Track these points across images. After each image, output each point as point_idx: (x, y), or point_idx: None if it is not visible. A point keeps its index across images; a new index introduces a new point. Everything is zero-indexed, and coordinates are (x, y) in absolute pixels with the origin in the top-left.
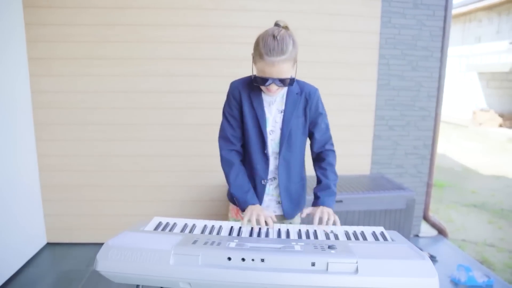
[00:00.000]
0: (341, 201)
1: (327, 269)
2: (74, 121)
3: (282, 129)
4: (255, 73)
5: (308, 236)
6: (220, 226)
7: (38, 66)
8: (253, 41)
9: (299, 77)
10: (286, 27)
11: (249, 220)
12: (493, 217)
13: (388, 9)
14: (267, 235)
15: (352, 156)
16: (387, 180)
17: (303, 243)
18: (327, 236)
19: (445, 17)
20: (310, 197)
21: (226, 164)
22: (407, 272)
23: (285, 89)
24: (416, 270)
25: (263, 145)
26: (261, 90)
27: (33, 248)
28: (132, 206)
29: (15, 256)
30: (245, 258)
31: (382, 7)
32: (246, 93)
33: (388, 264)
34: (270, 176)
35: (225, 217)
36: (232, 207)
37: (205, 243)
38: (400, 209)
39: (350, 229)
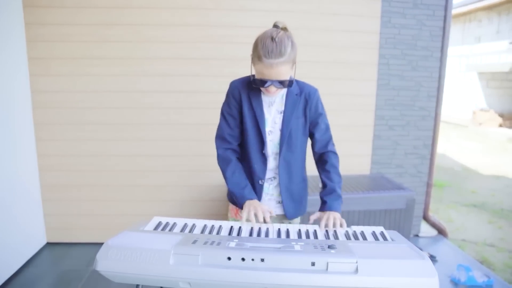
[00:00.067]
0: None
1: (327, 269)
2: (74, 121)
3: (282, 130)
4: (254, 74)
5: (308, 236)
6: (220, 226)
7: (38, 65)
8: (253, 41)
9: (299, 77)
10: (285, 28)
11: (248, 220)
12: (493, 217)
13: (388, 9)
14: (267, 234)
15: (352, 156)
16: (387, 180)
17: (303, 243)
18: (327, 236)
19: (445, 17)
20: (311, 197)
21: (222, 162)
22: (407, 272)
23: (284, 89)
24: (416, 270)
25: (262, 145)
26: (260, 91)
27: (32, 248)
28: (132, 206)
29: (14, 256)
30: (245, 258)
31: (382, 7)
32: (246, 93)
33: (388, 264)
34: (269, 175)
35: (225, 217)
36: (231, 207)
37: (205, 243)
38: (400, 209)
39: (350, 229)
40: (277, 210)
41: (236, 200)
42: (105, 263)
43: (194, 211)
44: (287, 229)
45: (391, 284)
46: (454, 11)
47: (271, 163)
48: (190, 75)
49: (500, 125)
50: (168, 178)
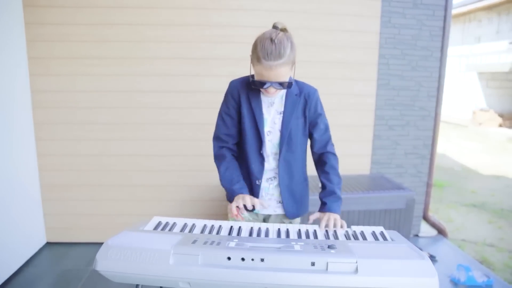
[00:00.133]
0: None
1: (326, 269)
2: (74, 121)
3: (281, 131)
4: (253, 75)
5: (307, 236)
6: (220, 226)
7: (38, 65)
8: (253, 41)
9: (298, 77)
10: (284, 29)
11: (233, 218)
12: (492, 217)
13: (388, 9)
14: (267, 234)
15: (352, 156)
16: (387, 180)
17: (302, 243)
18: (326, 236)
19: (445, 17)
20: (312, 197)
21: (217, 159)
22: (406, 272)
23: (284, 90)
24: (416, 270)
25: (260, 145)
26: (260, 91)
27: (32, 247)
28: (132, 206)
29: (14, 256)
30: (244, 257)
31: (382, 6)
32: (245, 93)
33: (388, 264)
34: (269, 175)
35: (225, 217)
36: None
37: (205, 243)
38: (399, 209)
39: (350, 229)
40: (278, 210)
41: (228, 196)
42: (105, 263)
43: (194, 211)
44: (287, 229)
45: (391, 284)
46: (454, 11)
47: (271, 163)
48: (190, 75)
49: (500, 125)
50: (168, 178)
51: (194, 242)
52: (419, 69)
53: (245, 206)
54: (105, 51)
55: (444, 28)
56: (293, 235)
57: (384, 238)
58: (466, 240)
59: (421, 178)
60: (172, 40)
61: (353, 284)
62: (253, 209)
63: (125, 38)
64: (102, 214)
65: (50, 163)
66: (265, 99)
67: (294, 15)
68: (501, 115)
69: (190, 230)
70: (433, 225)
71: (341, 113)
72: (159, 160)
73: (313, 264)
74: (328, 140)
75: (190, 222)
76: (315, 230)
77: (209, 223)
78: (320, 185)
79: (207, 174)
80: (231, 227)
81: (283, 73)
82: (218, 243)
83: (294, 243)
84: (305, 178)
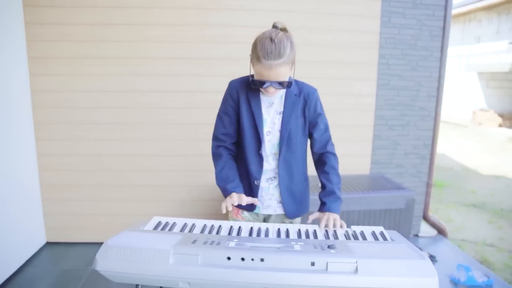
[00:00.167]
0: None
1: (326, 269)
2: (74, 121)
3: (281, 131)
4: (253, 74)
5: (307, 236)
6: (220, 226)
7: (38, 65)
8: (253, 40)
9: (298, 76)
10: (284, 29)
11: (234, 218)
12: (492, 217)
13: (388, 9)
14: (266, 234)
15: (352, 156)
16: (386, 180)
17: (302, 243)
18: (326, 236)
19: (445, 17)
20: (311, 197)
21: (214, 158)
22: (406, 272)
23: (283, 90)
24: (415, 270)
25: (259, 145)
26: (259, 91)
27: (32, 247)
28: (132, 206)
29: (14, 256)
30: (244, 257)
31: (382, 6)
32: (244, 93)
33: (388, 264)
34: (269, 175)
35: (225, 217)
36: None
37: (205, 243)
38: (399, 209)
39: (350, 229)
40: (278, 210)
41: (222, 194)
42: (104, 263)
43: (194, 211)
44: (287, 229)
45: (391, 284)
46: (454, 11)
47: (271, 163)
48: (190, 75)
49: (500, 125)
50: (168, 178)
51: (194, 242)
52: (419, 69)
53: (243, 206)
54: (105, 51)
55: (444, 28)
56: (293, 235)
57: (384, 238)
58: (466, 240)
59: (421, 178)
60: (172, 40)
61: (353, 284)
62: (253, 208)
63: (125, 38)
64: (102, 214)
65: (50, 163)
66: (264, 99)
67: (294, 15)
68: (501, 115)
69: (190, 230)
70: (433, 225)
71: (341, 113)
72: (159, 160)
73: (313, 264)
74: (328, 140)
75: (190, 222)
76: (315, 230)
77: (209, 223)
78: (320, 185)
79: (207, 174)
80: (231, 227)
81: (283, 73)
82: (218, 243)
83: (294, 243)
84: (305, 178)
